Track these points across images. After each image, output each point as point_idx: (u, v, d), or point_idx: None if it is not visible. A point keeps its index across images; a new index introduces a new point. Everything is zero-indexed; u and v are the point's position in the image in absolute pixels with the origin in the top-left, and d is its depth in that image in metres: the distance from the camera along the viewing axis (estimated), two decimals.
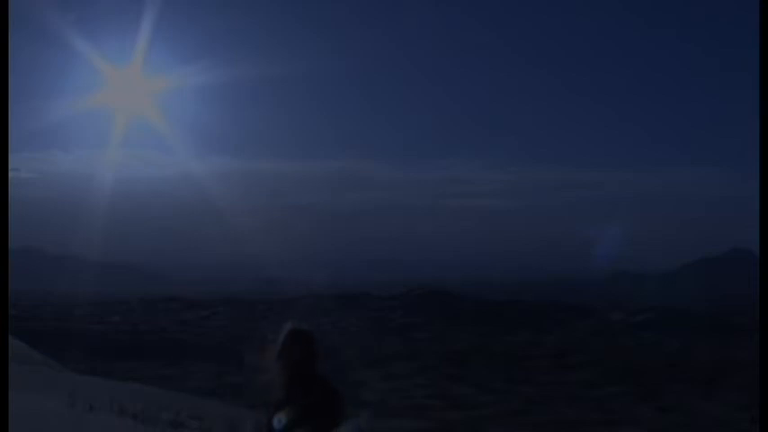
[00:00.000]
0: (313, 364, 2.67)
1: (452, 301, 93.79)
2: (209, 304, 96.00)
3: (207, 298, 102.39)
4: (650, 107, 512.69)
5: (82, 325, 73.09)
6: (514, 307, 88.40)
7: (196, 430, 11.15)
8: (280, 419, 2.54)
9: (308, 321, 2.73)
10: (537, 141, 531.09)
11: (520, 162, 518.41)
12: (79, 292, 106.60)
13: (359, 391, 42.87)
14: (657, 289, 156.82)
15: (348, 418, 2.54)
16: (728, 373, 49.19)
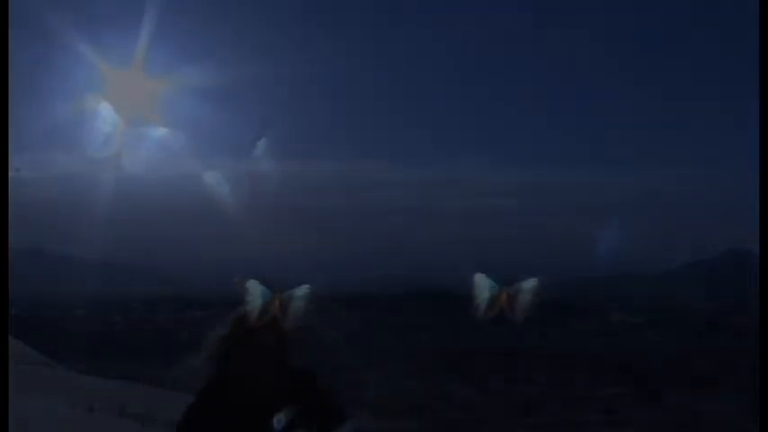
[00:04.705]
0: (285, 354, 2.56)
1: (453, 302, 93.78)
2: (210, 304, 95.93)
3: (207, 298, 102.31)
4: (650, 107, 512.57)
5: (82, 325, 73.04)
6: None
7: None
8: (279, 419, 2.52)
9: (308, 321, 2.67)
10: (537, 141, 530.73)
11: (520, 162, 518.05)
12: (79, 292, 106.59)
13: (359, 392, 42.82)
14: (657, 289, 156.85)
15: (347, 419, 2.54)
16: (729, 374, 49.18)
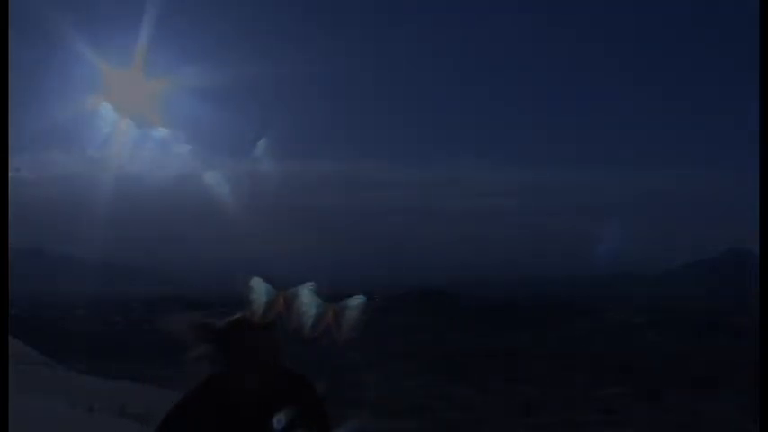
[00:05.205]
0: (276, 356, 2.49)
1: (453, 301, 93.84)
2: (209, 304, 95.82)
3: (207, 298, 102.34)
4: (650, 107, 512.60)
5: (82, 325, 73.10)
6: (514, 307, 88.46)
7: None
8: (279, 419, 2.51)
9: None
10: (537, 141, 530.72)
11: (520, 162, 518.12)
12: (79, 292, 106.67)
13: (359, 392, 42.87)
14: (657, 289, 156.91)
15: (346, 420, 2.53)
16: (729, 374, 49.21)
